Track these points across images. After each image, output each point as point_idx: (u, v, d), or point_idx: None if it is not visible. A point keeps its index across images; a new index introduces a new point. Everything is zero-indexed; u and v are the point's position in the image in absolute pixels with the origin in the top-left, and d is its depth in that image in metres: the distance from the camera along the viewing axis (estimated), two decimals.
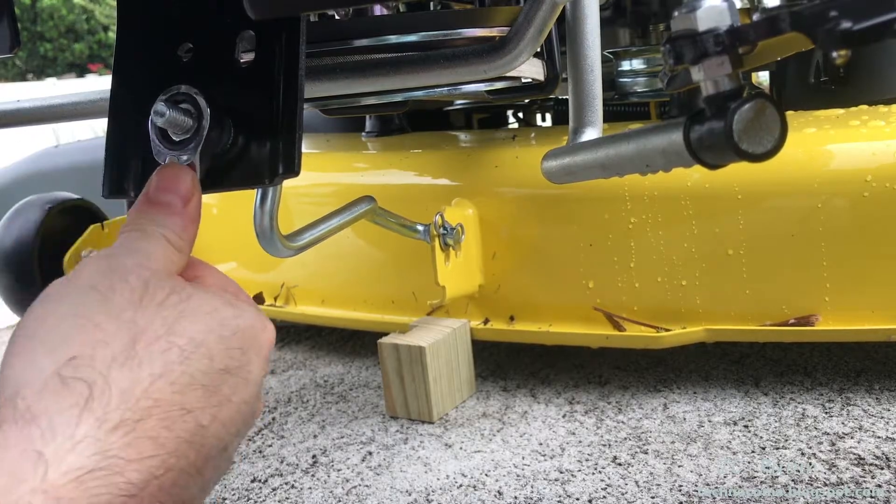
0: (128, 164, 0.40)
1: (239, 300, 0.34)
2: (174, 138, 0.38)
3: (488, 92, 0.63)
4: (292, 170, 0.37)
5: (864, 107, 0.76)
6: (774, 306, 0.67)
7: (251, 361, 0.32)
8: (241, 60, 0.39)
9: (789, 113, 0.75)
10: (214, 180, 0.39)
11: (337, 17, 0.60)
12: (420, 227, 0.72)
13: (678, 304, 0.70)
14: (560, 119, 1.09)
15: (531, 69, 0.58)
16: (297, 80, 0.38)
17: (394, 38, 0.48)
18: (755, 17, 0.34)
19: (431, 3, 0.74)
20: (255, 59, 0.39)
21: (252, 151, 0.38)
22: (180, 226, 0.34)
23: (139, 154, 0.40)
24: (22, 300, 0.97)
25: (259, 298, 0.94)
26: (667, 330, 0.69)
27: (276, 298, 0.92)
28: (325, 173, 0.89)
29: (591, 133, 0.52)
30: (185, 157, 0.37)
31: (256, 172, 0.38)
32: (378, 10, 0.60)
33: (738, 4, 0.85)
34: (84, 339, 0.29)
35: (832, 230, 0.65)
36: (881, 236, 0.64)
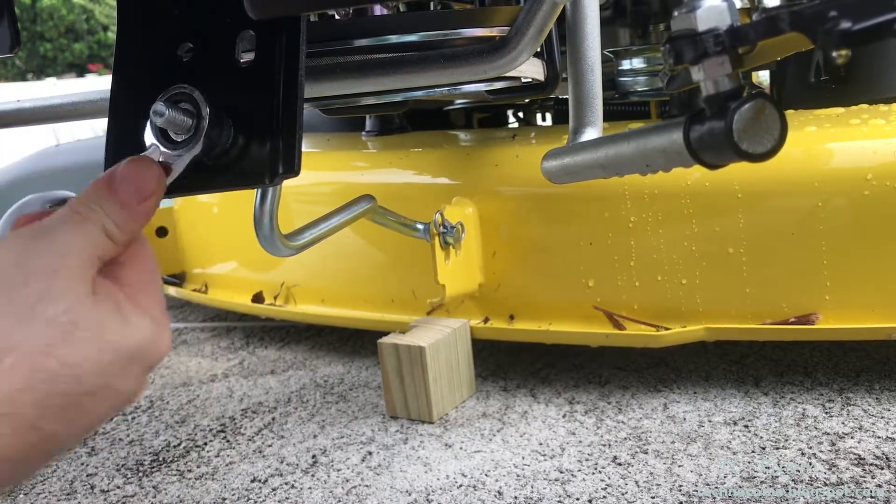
0: None
1: (138, 314, 0.33)
2: (174, 138, 0.38)
3: (488, 92, 0.63)
4: (292, 170, 0.37)
5: (865, 105, 0.76)
6: (775, 305, 0.67)
7: (126, 377, 0.33)
8: (241, 60, 0.39)
9: (789, 112, 0.75)
10: (214, 180, 0.39)
11: (337, 17, 0.60)
12: (420, 226, 0.72)
13: (678, 302, 0.70)
14: (560, 118, 1.09)
15: (531, 69, 0.58)
16: (298, 80, 0.38)
17: (394, 38, 0.48)
18: (755, 17, 0.34)
19: (431, 3, 0.74)
20: (255, 59, 0.39)
21: (252, 151, 0.38)
22: (127, 221, 0.34)
23: (139, 153, 0.40)
24: None
25: (259, 298, 0.94)
26: (667, 329, 0.69)
27: (275, 297, 0.92)
28: (325, 172, 0.89)
29: (591, 133, 0.52)
30: (169, 159, 0.38)
31: (256, 172, 0.38)
32: (378, 10, 0.60)
33: (738, 4, 0.85)
34: None
35: (832, 229, 0.65)
36: (882, 235, 0.64)
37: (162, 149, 0.38)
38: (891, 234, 0.64)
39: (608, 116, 0.59)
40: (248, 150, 0.38)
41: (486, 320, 0.78)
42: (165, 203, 1.10)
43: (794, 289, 0.67)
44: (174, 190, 0.40)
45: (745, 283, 0.68)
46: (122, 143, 0.41)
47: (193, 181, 0.39)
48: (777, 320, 0.67)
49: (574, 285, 0.73)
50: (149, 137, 0.38)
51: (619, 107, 0.92)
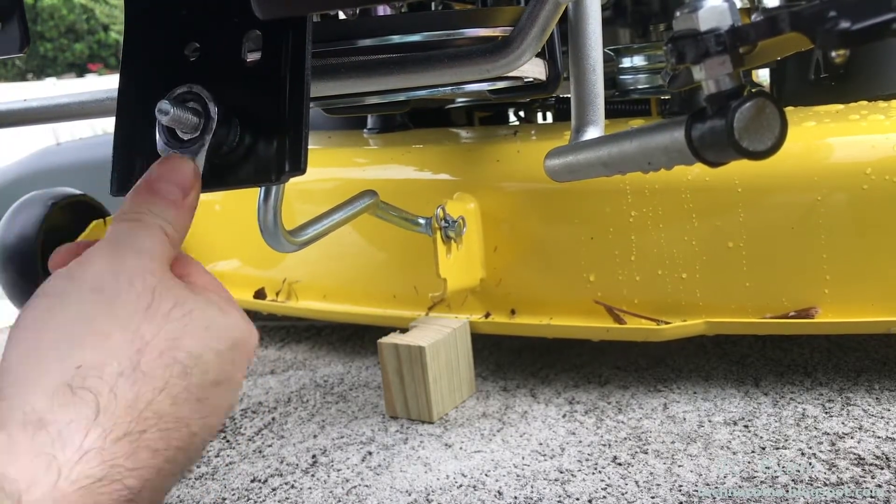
0: (135, 162, 0.41)
1: (229, 306, 0.34)
2: (182, 137, 0.38)
3: (491, 91, 0.63)
4: (299, 168, 0.38)
5: (864, 102, 0.76)
6: (774, 299, 0.67)
7: (239, 369, 0.33)
8: (248, 60, 0.39)
9: (789, 109, 0.75)
10: (221, 178, 0.39)
11: (342, 17, 0.60)
12: (422, 221, 0.72)
13: (678, 297, 0.70)
14: (561, 117, 1.10)
15: (533, 69, 0.58)
16: (304, 79, 0.38)
17: (397, 38, 0.48)
18: (754, 17, 0.34)
19: (433, 4, 0.74)
20: (262, 59, 0.39)
21: (259, 149, 0.38)
22: (178, 217, 0.35)
23: (147, 152, 0.40)
24: (25, 295, 0.97)
25: (261, 294, 0.94)
26: (667, 323, 0.70)
27: (277, 294, 0.92)
28: (327, 168, 0.89)
29: (593, 132, 0.52)
30: (189, 156, 0.38)
31: (263, 170, 0.38)
32: (381, 10, 0.60)
33: (738, 4, 0.85)
34: (92, 347, 0.29)
35: (832, 223, 0.65)
36: (881, 229, 0.65)
37: (175, 152, 0.38)
38: (890, 228, 0.64)
39: (609, 114, 0.59)
40: (254, 149, 0.38)
41: (487, 315, 0.78)
42: None
43: (794, 283, 0.67)
44: None
45: (744, 277, 0.68)
46: (130, 142, 0.41)
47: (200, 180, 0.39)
48: (777, 314, 0.67)
49: (575, 280, 0.73)
50: (158, 141, 0.39)
51: (620, 105, 0.92)
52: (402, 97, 0.57)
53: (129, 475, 0.28)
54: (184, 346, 0.31)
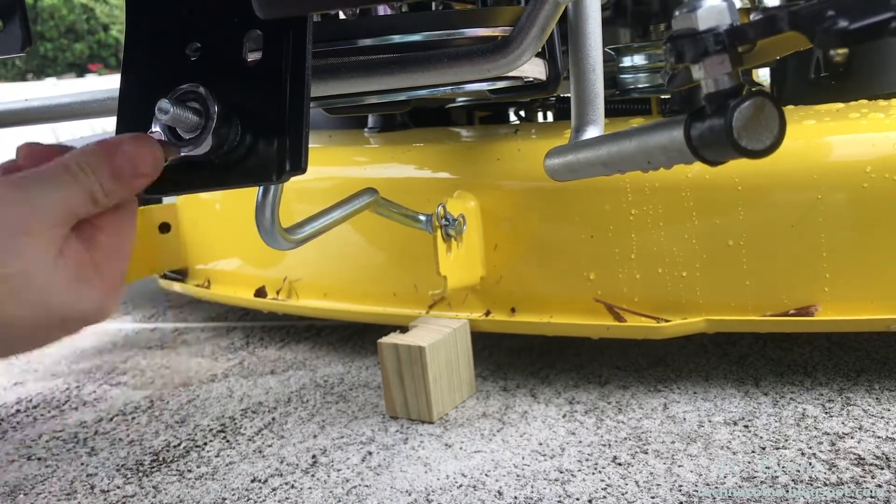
0: None
1: (96, 278, 0.35)
2: (183, 136, 0.38)
3: (491, 91, 0.63)
4: (299, 167, 0.38)
5: (864, 101, 0.76)
6: (774, 297, 0.67)
7: (51, 336, 0.34)
8: (248, 59, 0.39)
9: (789, 107, 0.75)
10: (222, 177, 0.39)
11: (342, 17, 0.60)
12: (422, 218, 0.72)
13: (679, 295, 0.70)
14: (561, 116, 1.10)
15: (533, 68, 0.58)
16: (304, 79, 0.38)
17: (397, 38, 0.48)
18: (753, 16, 0.35)
19: (433, 4, 0.74)
20: (263, 58, 0.39)
21: (259, 149, 0.38)
22: (114, 189, 0.35)
23: None
24: None
25: (261, 292, 0.94)
26: (667, 321, 0.70)
27: (278, 292, 0.92)
28: (327, 167, 0.89)
29: (592, 131, 0.52)
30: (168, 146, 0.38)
31: (264, 170, 0.38)
32: (381, 9, 0.60)
33: (738, 4, 0.85)
34: None
35: (832, 221, 0.65)
36: (881, 227, 0.65)
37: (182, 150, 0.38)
38: (890, 226, 0.64)
39: (609, 113, 0.59)
40: (255, 148, 0.39)
41: (487, 313, 0.78)
42: (168, 200, 1.10)
43: (794, 281, 0.67)
44: (182, 189, 0.40)
45: (745, 275, 0.68)
46: None
47: (201, 179, 0.39)
48: (777, 312, 0.67)
49: (575, 278, 0.73)
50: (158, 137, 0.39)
51: (620, 104, 0.92)
52: (402, 97, 0.57)
53: None
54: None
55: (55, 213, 0.33)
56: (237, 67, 0.39)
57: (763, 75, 1.17)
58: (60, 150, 0.36)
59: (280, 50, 0.39)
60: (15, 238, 0.32)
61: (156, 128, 0.39)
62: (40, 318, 0.33)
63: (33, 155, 0.36)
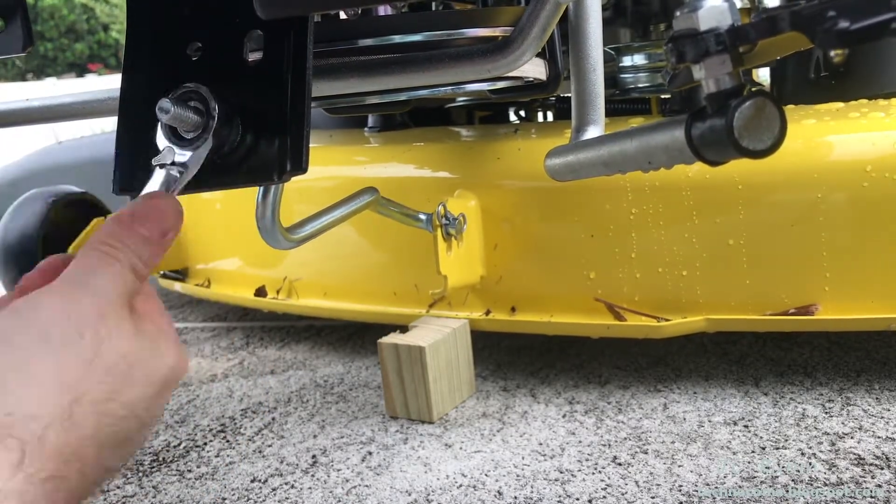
0: (138, 161, 0.41)
1: (168, 341, 0.35)
2: (184, 135, 0.38)
3: (491, 91, 0.63)
4: (300, 167, 0.38)
5: (864, 101, 0.76)
6: (774, 296, 0.67)
7: (163, 402, 0.34)
8: (249, 59, 0.39)
9: (790, 107, 0.75)
10: (223, 177, 0.39)
11: (343, 17, 0.60)
12: (423, 216, 0.72)
13: (679, 294, 0.70)
14: (561, 116, 1.10)
15: (534, 68, 0.58)
16: (305, 79, 0.38)
17: (398, 38, 0.48)
18: (753, 16, 0.35)
19: (433, 4, 0.74)
20: (264, 58, 0.39)
21: (260, 149, 0.39)
22: (150, 255, 0.35)
23: (149, 151, 0.40)
24: None
25: (261, 292, 0.94)
26: (667, 320, 0.70)
27: (278, 292, 0.92)
28: (327, 167, 0.89)
29: (593, 131, 0.52)
30: (178, 157, 0.38)
31: (265, 170, 0.38)
32: (382, 9, 0.60)
33: (738, 4, 0.85)
34: (27, 396, 0.29)
35: (832, 220, 0.65)
36: (881, 226, 0.65)
37: (177, 150, 0.38)
38: (890, 225, 0.64)
39: (609, 113, 0.59)
40: (256, 148, 0.39)
41: (487, 312, 0.78)
42: None
43: (794, 280, 0.67)
44: (183, 189, 0.40)
45: (745, 274, 0.68)
46: (133, 141, 0.42)
47: (202, 179, 0.39)
48: (777, 311, 0.67)
49: (575, 277, 0.74)
50: (160, 139, 0.39)
51: (620, 104, 0.92)
52: (403, 97, 0.57)
53: None
54: (119, 398, 0.31)
55: (118, 296, 0.33)
56: (238, 67, 0.39)
57: (763, 75, 1.17)
58: (63, 261, 0.35)
59: (281, 50, 0.39)
60: (101, 329, 0.31)
61: (160, 130, 0.39)
62: (152, 390, 0.33)
63: (44, 271, 0.35)
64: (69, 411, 0.30)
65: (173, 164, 0.38)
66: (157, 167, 0.38)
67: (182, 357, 0.35)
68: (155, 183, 0.38)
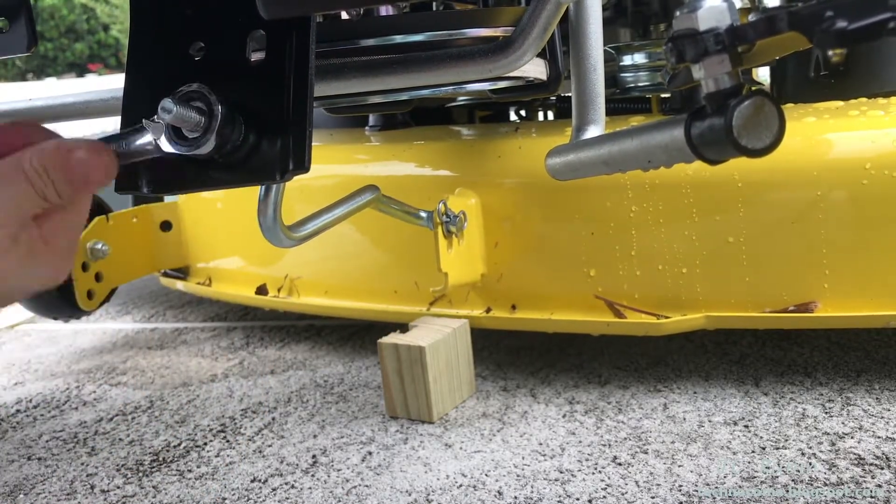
0: (140, 160, 0.41)
1: (49, 253, 0.38)
2: (187, 135, 0.38)
3: (492, 91, 0.63)
4: (303, 166, 0.38)
5: (864, 99, 0.76)
6: (774, 293, 0.68)
7: (12, 300, 0.39)
8: (252, 59, 0.40)
9: (789, 105, 0.75)
10: (226, 176, 0.39)
11: (345, 17, 0.60)
12: (423, 214, 0.72)
13: (679, 291, 0.70)
14: (562, 116, 1.10)
15: (534, 68, 0.58)
16: (307, 79, 0.38)
17: (400, 38, 0.49)
18: (751, 17, 0.35)
19: (434, 4, 0.74)
20: (266, 58, 0.39)
21: (263, 148, 0.39)
22: (67, 192, 0.37)
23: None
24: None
25: (262, 290, 0.94)
26: (667, 317, 0.70)
27: (279, 290, 0.92)
28: (329, 165, 0.89)
29: (593, 130, 0.52)
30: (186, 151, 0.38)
31: (267, 169, 0.39)
32: (383, 10, 0.60)
33: (738, 4, 0.85)
34: None
35: (831, 218, 0.65)
36: (880, 224, 0.65)
37: (178, 149, 0.38)
38: (889, 223, 0.64)
39: (609, 112, 0.59)
40: (258, 148, 0.39)
41: (488, 310, 0.78)
42: (170, 198, 1.10)
43: (794, 277, 0.67)
44: (186, 188, 0.40)
45: (744, 272, 0.68)
46: None
47: (205, 178, 0.40)
48: (777, 309, 0.67)
49: (576, 275, 0.74)
50: (164, 144, 0.39)
51: (620, 103, 0.92)
52: (404, 96, 0.57)
53: None
54: None
55: (6, 211, 0.36)
56: (241, 67, 0.40)
57: (763, 74, 1.18)
58: (22, 132, 0.38)
59: (283, 50, 0.39)
60: None
61: (149, 131, 0.39)
62: None
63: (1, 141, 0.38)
64: None
65: (114, 153, 0.39)
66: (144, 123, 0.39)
67: (60, 271, 0.38)
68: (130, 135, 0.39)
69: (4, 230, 0.36)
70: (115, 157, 0.38)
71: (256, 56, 0.40)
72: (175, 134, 0.39)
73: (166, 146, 0.39)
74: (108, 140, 0.39)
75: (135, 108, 0.42)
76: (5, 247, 0.36)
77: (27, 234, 0.37)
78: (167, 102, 0.37)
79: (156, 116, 0.38)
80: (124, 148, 0.39)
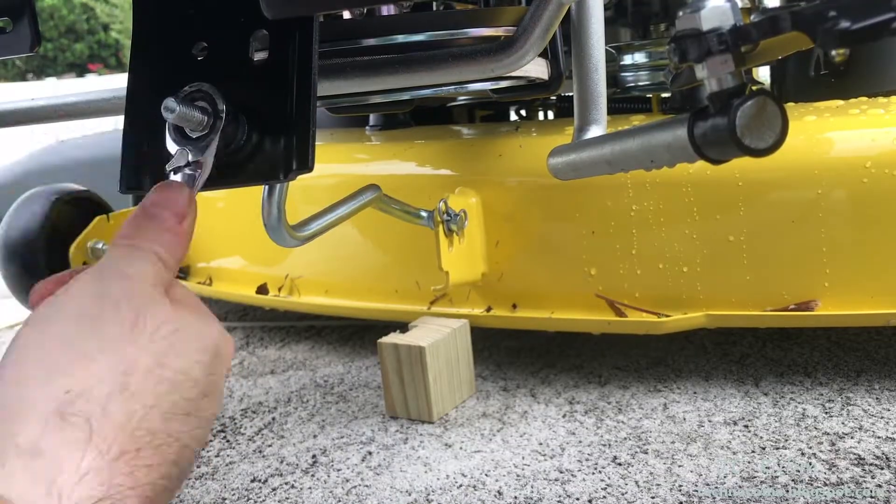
0: (144, 159, 0.41)
1: (209, 317, 0.35)
2: (190, 134, 0.38)
3: (493, 90, 0.63)
4: (306, 166, 0.38)
5: (864, 98, 0.76)
6: (775, 292, 0.68)
7: (221, 377, 0.34)
8: (255, 59, 0.40)
9: (790, 104, 0.75)
10: (229, 176, 0.39)
11: (348, 17, 0.60)
12: (424, 213, 0.72)
13: (679, 290, 0.70)
14: (562, 115, 1.10)
15: (536, 68, 0.58)
16: (311, 78, 0.38)
17: (402, 38, 0.49)
18: (753, 16, 0.35)
19: (434, 4, 0.74)
20: (269, 58, 0.39)
21: (266, 148, 0.39)
22: (173, 243, 0.35)
23: (155, 150, 0.40)
24: (28, 291, 0.97)
25: (263, 290, 0.94)
26: (668, 316, 0.70)
27: (280, 290, 0.92)
28: (329, 164, 0.89)
29: (595, 130, 0.52)
30: (192, 157, 0.38)
31: (271, 168, 0.39)
32: (385, 9, 0.60)
33: (739, 4, 0.85)
34: (79, 372, 0.29)
35: (832, 217, 0.65)
36: (881, 222, 0.65)
37: (190, 151, 0.38)
38: (890, 222, 0.64)
39: (609, 111, 0.59)
40: (261, 147, 0.39)
41: (488, 309, 0.78)
42: None
43: (794, 276, 0.67)
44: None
45: (745, 270, 0.68)
46: (139, 140, 0.42)
47: (208, 178, 0.39)
48: (777, 307, 0.68)
49: (576, 274, 0.74)
50: (170, 143, 0.39)
51: (621, 102, 0.92)
52: (406, 96, 0.57)
53: (129, 493, 0.28)
54: (170, 364, 0.31)
55: (148, 279, 0.33)
56: (244, 67, 0.40)
57: (763, 74, 1.18)
58: (74, 272, 0.35)
59: (287, 50, 0.39)
60: (135, 302, 0.32)
61: (173, 174, 0.39)
62: (204, 355, 0.33)
63: (53, 282, 0.35)
64: (124, 382, 0.30)
65: (188, 164, 0.38)
66: (171, 173, 0.38)
67: (227, 333, 0.35)
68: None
69: (159, 294, 0.33)
70: (183, 184, 0.37)
71: (259, 56, 0.40)
72: (179, 134, 0.39)
73: (171, 146, 0.39)
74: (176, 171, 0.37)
75: (138, 108, 0.42)
76: (176, 315, 0.33)
77: (177, 303, 0.33)
78: (170, 102, 0.37)
79: (165, 150, 0.38)
80: (192, 181, 0.37)
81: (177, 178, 0.38)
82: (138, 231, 0.35)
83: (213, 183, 0.40)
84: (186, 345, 0.32)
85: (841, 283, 0.66)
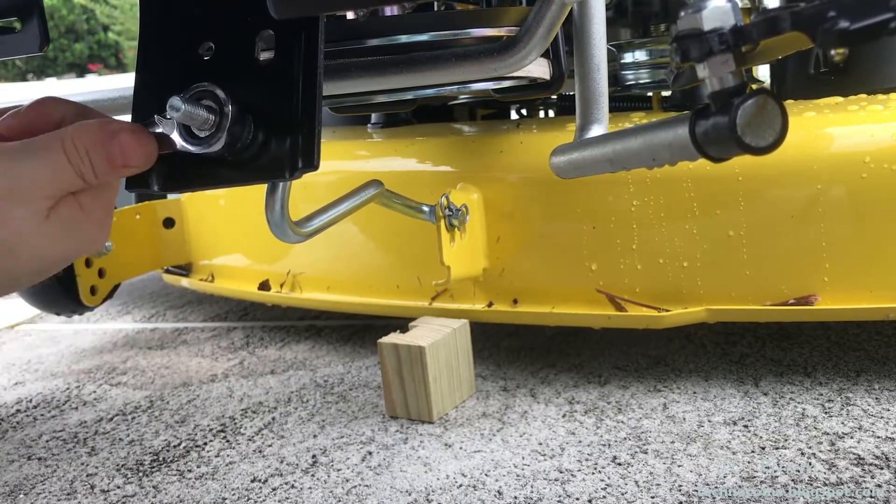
0: None
1: (87, 222, 0.38)
2: (197, 134, 0.39)
3: (495, 90, 0.64)
4: (311, 164, 0.38)
5: (863, 95, 0.76)
6: (774, 287, 0.68)
7: (57, 268, 0.39)
8: (261, 59, 0.40)
9: (789, 101, 0.76)
10: (236, 174, 0.40)
11: (352, 17, 0.60)
12: (426, 209, 0.72)
13: (679, 285, 0.70)
14: (562, 114, 1.10)
15: (538, 68, 0.59)
16: (316, 77, 0.39)
17: (405, 38, 0.49)
18: (753, 17, 0.35)
19: (435, 4, 0.74)
20: (275, 58, 0.40)
21: (272, 146, 0.39)
22: (105, 173, 0.37)
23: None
24: (28, 290, 0.97)
25: (265, 286, 0.94)
26: (668, 311, 0.70)
27: (281, 286, 0.92)
28: (332, 161, 0.89)
29: (597, 129, 0.52)
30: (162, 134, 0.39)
31: (277, 167, 0.39)
32: (388, 9, 0.60)
33: (740, 4, 0.85)
34: None
35: (831, 211, 0.66)
36: (880, 217, 0.65)
37: (189, 148, 0.39)
38: (889, 216, 0.65)
39: (610, 110, 0.60)
40: (268, 146, 0.39)
41: (489, 305, 0.78)
42: (173, 195, 1.10)
43: (794, 271, 0.67)
44: (196, 186, 0.41)
45: (745, 265, 0.68)
46: None
47: (215, 176, 0.40)
48: (777, 302, 0.68)
49: (577, 269, 0.74)
50: (176, 139, 0.39)
51: (622, 101, 0.92)
52: (409, 96, 0.57)
53: None
54: None
55: (43, 187, 0.36)
56: (250, 67, 0.40)
57: (763, 72, 1.18)
58: (63, 107, 0.38)
59: (292, 49, 0.39)
60: (3, 207, 0.35)
61: (160, 126, 0.39)
62: (36, 266, 0.37)
63: (37, 113, 0.39)
64: None
65: (155, 138, 0.39)
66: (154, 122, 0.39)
67: (98, 237, 0.39)
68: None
69: (42, 202, 0.36)
70: (155, 142, 0.39)
71: (265, 56, 0.40)
72: (185, 132, 0.39)
73: (179, 143, 0.39)
74: (148, 125, 0.39)
75: (144, 107, 0.42)
76: (42, 217, 0.36)
77: (65, 206, 0.37)
78: (175, 100, 0.37)
79: (165, 114, 0.38)
80: (164, 135, 0.39)
81: (154, 129, 0.39)
82: (87, 144, 0.37)
83: (219, 181, 0.40)
84: (20, 257, 0.36)
85: (840, 277, 0.66)
